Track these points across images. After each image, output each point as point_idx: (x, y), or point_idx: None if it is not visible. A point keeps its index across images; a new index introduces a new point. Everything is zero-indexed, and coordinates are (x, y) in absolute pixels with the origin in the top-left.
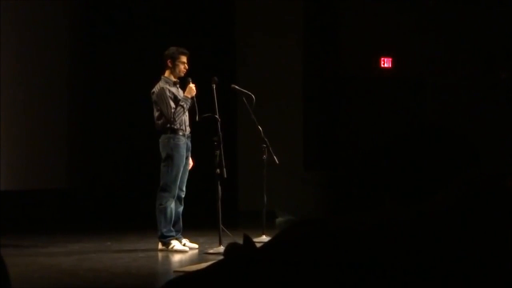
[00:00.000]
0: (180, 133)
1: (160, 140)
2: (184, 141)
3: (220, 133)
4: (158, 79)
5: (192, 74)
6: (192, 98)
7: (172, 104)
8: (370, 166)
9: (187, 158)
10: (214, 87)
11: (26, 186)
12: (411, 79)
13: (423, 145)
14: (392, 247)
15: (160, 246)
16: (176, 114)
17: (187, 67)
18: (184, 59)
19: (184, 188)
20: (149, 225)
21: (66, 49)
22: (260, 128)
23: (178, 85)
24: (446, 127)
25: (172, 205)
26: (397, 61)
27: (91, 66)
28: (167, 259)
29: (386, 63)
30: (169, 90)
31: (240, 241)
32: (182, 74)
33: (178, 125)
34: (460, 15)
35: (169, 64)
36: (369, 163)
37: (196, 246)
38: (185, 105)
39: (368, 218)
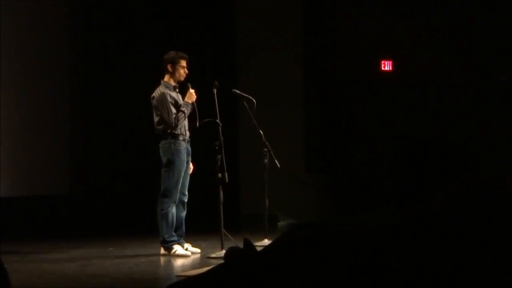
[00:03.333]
0: (181, 138)
1: (160, 145)
2: (184, 146)
3: (222, 137)
4: (157, 84)
5: (192, 79)
6: (192, 103)
7: (173, 110)
8: (375, 170)
9: (187, 163)
10: (215, 92)
11: (28, 192)
12: (412, 82)
13: (423, 150)
14: (392, 249)
15: (162, 251)
16: (178, 120)
17: (187, 71)
18: (184, 63)
19: (186, 192)
20: (151, 230)
21: (67, 55)
22: (261, 132)
23: (177, 90)
24: (445, 135)
25: (173, 210)
26: (397, 64)
27: (92, 71)
28: (169, 264)
29: (386, 66)
30: (170, 95)
31: (242, 245)
32: (182, 79)
33: (178, 130)
34: (460, 18)
35: (169, 69)
36: (373, 167)
37: (198, 250)
38: (186, 111)
39: (368, 221)
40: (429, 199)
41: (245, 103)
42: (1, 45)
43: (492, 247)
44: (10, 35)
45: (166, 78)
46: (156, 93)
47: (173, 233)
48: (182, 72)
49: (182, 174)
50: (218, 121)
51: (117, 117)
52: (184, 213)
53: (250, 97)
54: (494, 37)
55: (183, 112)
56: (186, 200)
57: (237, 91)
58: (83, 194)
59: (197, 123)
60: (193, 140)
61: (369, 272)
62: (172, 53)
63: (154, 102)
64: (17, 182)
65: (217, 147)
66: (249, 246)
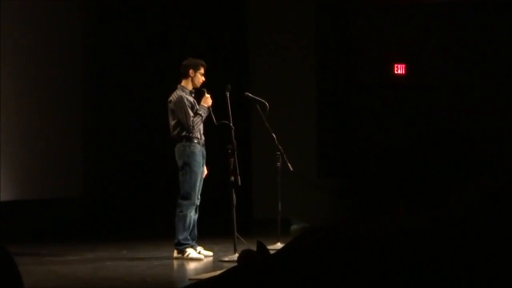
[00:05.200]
0: (195, 141)
1: (175, 149)
2: (199, 149)
3: (234, 141)
4: (173, 88)
5: (206, 82)
6: (208, 107)
7: (191, 113)
8: (384, 172)
9: (202, 166)
10: (228, 95)
11: (41, 195)
12: (425, 85)
13: (436, 150)
14: (404, 254)
15: (175, 254)
16: (195, 123)
17: (204, 79)
18: (203, 70)
19: (199, 196)
20: (164, 233)
21: (80, 57)
22: (274, 136)
23: (193, 95)
24: (459, 132)
25: (191, 213)
26: (410, 68)
27: (105, 73)
28: (182, 267)
29: (399, 69)
30: (187, 99)
31: (255, 248)
32: (199, 85)
33: (194, 134)
34: (473, 21)
35: (191, 74)
36: (382, 168)
37: (211, 254)
38: (203, 114)
39: (380, 225)
40: (441, 202)
41: (258, 107)
42: (12, 46)
43: (508, 253)
44: (21, 35)
45: (184, 82)
46: (173, 97)
47: (188, 237)
48: (201, 79)
49: (199, 176)
50: (231, 124)
51: (131, 119)
52: (196, 216)
53: (263, 101)
54: (508, 40)
55: (201, 115)
56: (198, 203)
57: (250, 95)
58: (96, 197)
59: (215, 121)
60: (206, 144)
61: (382, 277)
62: (193, 59)
63: (171, 105)
64: (31, 185)
65: (229, 151)
66: (262, 249)
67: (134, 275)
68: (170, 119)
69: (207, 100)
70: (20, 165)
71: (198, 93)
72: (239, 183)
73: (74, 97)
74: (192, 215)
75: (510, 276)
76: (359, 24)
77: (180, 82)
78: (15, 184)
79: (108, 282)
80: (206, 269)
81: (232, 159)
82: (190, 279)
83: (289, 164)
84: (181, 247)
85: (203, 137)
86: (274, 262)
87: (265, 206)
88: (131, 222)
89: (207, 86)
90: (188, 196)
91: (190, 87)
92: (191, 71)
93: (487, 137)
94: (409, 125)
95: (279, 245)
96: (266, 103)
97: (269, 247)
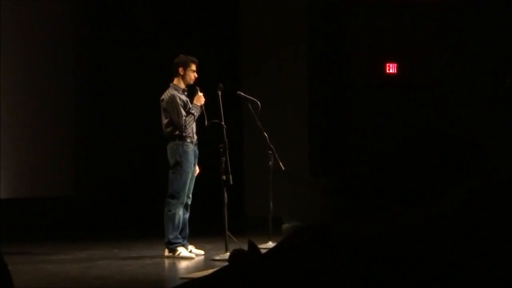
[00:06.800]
0: (188, 140)
1: (168, 147)
2: (192, 148)
3: (226, 139)
4: (165, 87)
5: (198, 81)
6: (201, 106)
7: (183, 112)
8: (376, 171)
9: (194, 165)
10: (220, 94)
11: (34, 194)
12: (417, 85)
13: (428, 150)
14: (397, 252)
15: (166, 253)
16: (187, 122)
17: (196, 75)
18: (194, 67)
19: (190, 195)
20: (156, 232)
21: (72, 56)
22: (266, 135)
23: (186, 93)
24: (451, 131)
25: (180, 212)
26: (402, 67)
27: (97, 73)
28: (173, 266)
29: (391, 68)
30: (180, 98)
31: (246, 247)
32: (191, 82)
33: (186, 133)
34: (465, 20)
35: (181, 72)
36: (374, 167)
37: (202, 252)
38: (195, 113)
39: (373, 224)
40: (434, 201)
41: (249, 105)
42: (5, 46)
43: (501, 252)
44: (14, 36)
45: (176, 81)
46: (165, 96)
47: (178, 235)
48: (192, 75)
49: (190, 175)
50: (222, 123)
51: (123, 118)
52: (187, 215)
53: (255, 100)
54: (499, 39)
55: (193, 114)
56: (189, 202)
57: (242, 93)
58: (88, 196)
59: (206, 122)
60: (198, 143)
61: (374, 276)
62: (183, 57)
63: (163, 104)
64: (23, 184)
65: (221, 149)
66: (253, 248)
67: (125, 274)
68: (163, 117)
69: (200, 99)
70: (11, 164)
71: (190, 91)
72: (231, 182)
73: (66, 97)
74: (181, 214)
75: (502, 274)
76: (351, 23)
77: (173, 80)
78: (6, 183)
79: (99, 281)
80: (197, 268)
81: (223, 158)
82: (181, 278)
83: (280, 163)
84: (172, 246)
85: (195, 136)
86: (266, 261)
87: (256, 205)
88: (123, 221)
89: (199, 85)
90: (176, 195)
91: (182, 85)
92: (181, 69)
93: (479, 136)
94: (401, 124)
95: (270, 244)
96: (258, 102)
97: (261, 246)
